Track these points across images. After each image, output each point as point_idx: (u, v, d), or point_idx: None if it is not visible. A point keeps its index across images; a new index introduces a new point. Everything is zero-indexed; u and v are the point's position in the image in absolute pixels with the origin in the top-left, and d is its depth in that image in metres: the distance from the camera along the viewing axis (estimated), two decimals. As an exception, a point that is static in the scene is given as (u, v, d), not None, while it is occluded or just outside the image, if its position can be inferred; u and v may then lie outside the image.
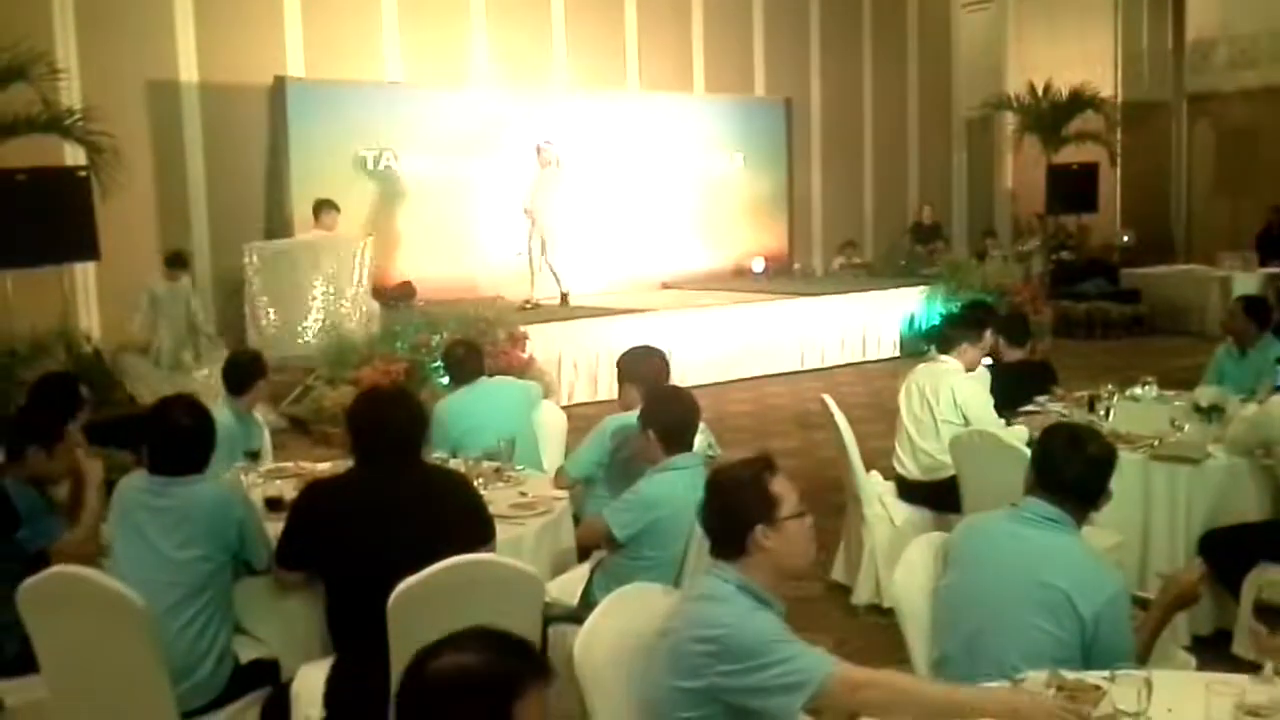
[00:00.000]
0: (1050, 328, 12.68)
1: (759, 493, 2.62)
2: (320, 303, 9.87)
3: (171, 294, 9.72)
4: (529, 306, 11.00)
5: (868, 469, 5.37)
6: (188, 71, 10.93)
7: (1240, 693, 2.39)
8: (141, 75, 10.68)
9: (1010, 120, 15.78)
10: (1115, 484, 2.98)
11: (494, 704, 1.83)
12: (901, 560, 3.24)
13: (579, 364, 10.38)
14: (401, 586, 3.01)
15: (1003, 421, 5.24)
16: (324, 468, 4.73)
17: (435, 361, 8.40)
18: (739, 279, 14.14)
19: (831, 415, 5.31)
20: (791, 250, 15.36)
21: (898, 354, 12.50)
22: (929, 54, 17.16)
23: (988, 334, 5.61)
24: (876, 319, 12.69)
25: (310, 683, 3.36)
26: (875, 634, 4.76)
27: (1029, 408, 5.68)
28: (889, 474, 5.50)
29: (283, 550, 3.46)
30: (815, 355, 12.16)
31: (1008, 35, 17.35)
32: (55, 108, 9.06)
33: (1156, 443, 4.97)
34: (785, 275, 14.53)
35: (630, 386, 4.61)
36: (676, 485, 3.76)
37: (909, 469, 5.35)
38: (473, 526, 3.43)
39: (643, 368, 4.67)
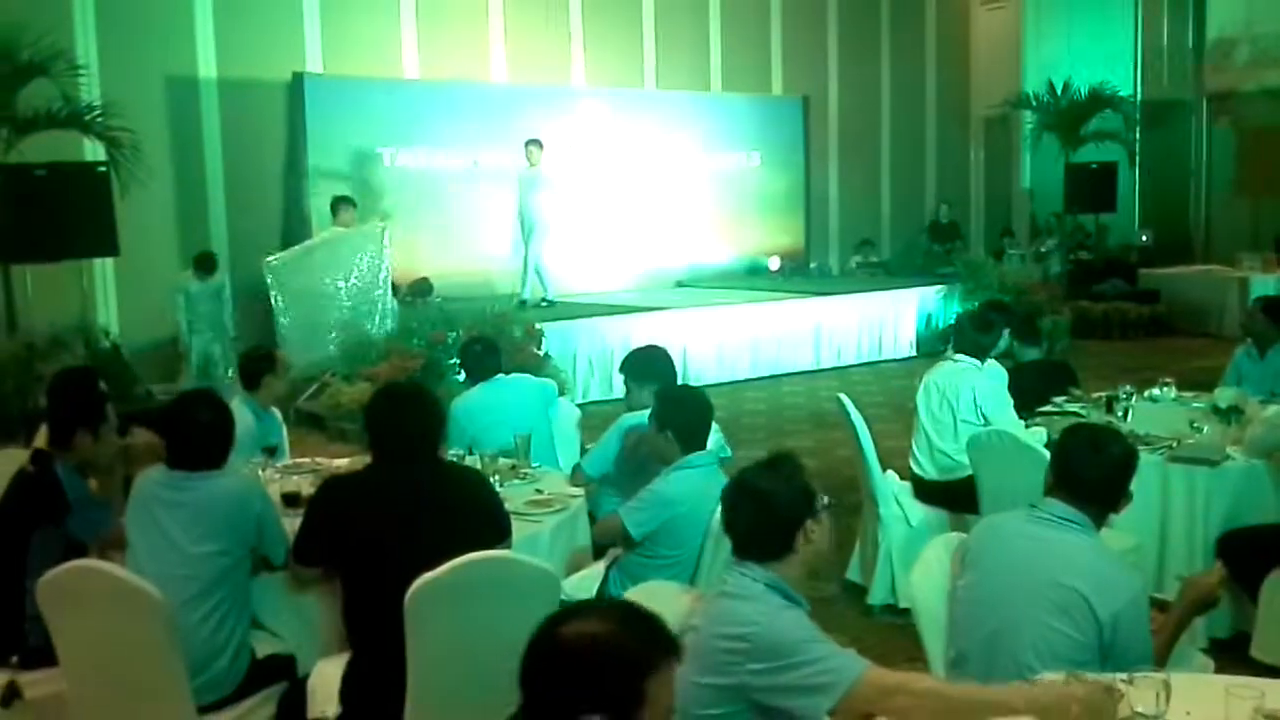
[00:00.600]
0: (1068, 328, 12.63)
1: (804, 488, 2.67)
2: (344, 300, 9.87)
3: (203, 292, 9.78)
4: (525, 305, 10.97)
5: (884, 469, 5.35)
6: (207, 67, 10.99)
7: (1259, 696, 2.37)
8: (161, 71, 10.74)
9: (1029, 119, 15.72)
10: (1133, 486, 2.97)
11: (629, 677, 1.83)
12: (919, 560, 3.23)
13: (594, 361, 10.39)
14: (418, 583, 3.01)
15: (1022, 423, 5.23)
16: (341, 464, 4.74)
17: (452, 358, 8.42)
18: (755, 277, 14.13)
19: (847, 414, 5.29)
20: (808, 248, 15.35)
21: (914, 353, 12.48)
22: (947, 52, 17.12)
23: (1005, 333, 5.60)
24: (893, 318, 12.66)
25: (326, 678, 3.36)
26: (890, 634, 4.75)
27: (1046, 408, 5.66)
28: (905, 474, 5.48)
29: (300, 546, 3.47)
30: (831, 354, 12.14)
31: (1026, 33, 17.27)
32: (75, 103, 9.11)
33: (1175, 444, 4.94)
34: (801, 274, 14.52)
35: (638, 386, 4.62)
36: (692, 484, 3.77)
37: (926, 469, 5.33)
38: (489, 524, 3.43)
39: (651, 368, 4.67)
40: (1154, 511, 4.75)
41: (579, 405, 6.43)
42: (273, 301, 9.74)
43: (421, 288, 11.08)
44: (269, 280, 9.76)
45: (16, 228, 8.47)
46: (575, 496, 4.31)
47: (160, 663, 3.17)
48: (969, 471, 5.00)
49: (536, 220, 11.09)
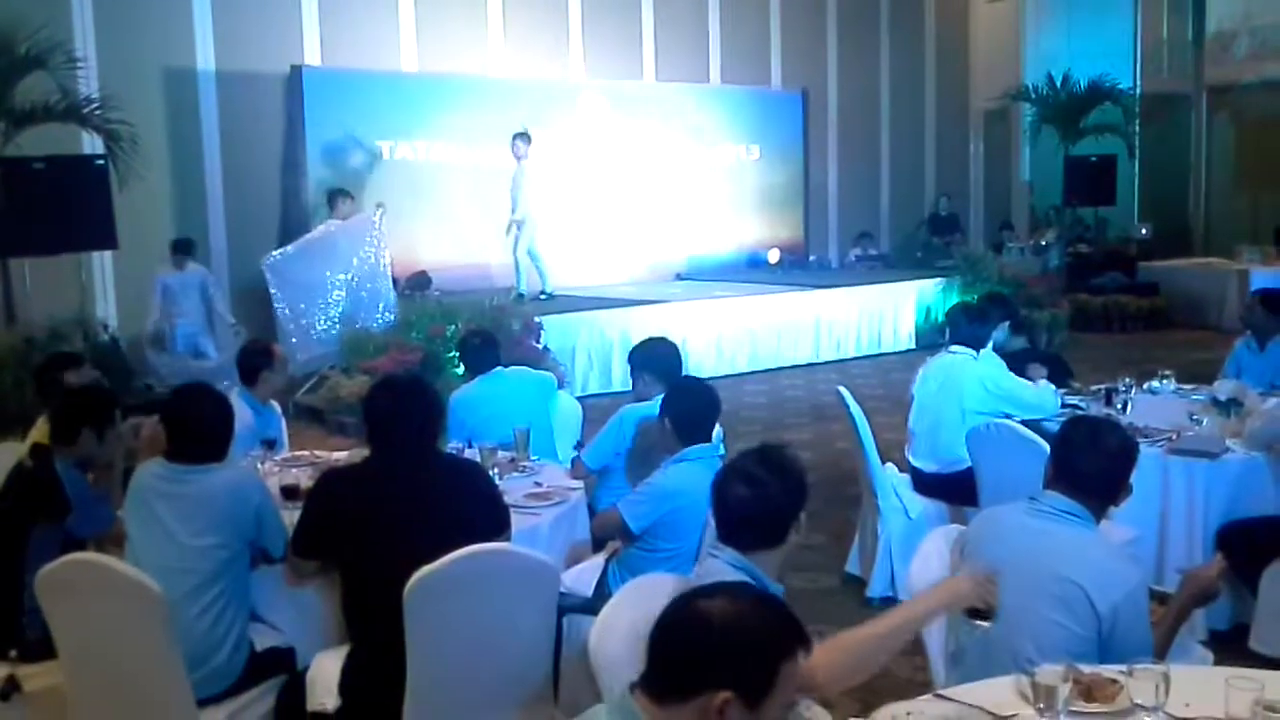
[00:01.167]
0: (1067, 321, 12.63)
1: (802, 481, 2.72)
2: (342, 293, 9.86)
3: (183, 284, 9.73)
4: (523, 299, 10.95)
5: (883, 461, 5.35)
6: (205, 60, 10.96)
7: (1259, 688, 2.37)
8: (159, 64, 10.71)
9: (1028, 112, 15.70)
10: (1133, 478, 2.97)
11: (766, 658, 1.84)
12: (918, 553, 3.23)
13: (593, 354, 10.38)
14: (417, 576, 3.00)
15: (1035, 385, 5.26)
16: (340, 456, 4.74)
17: (451, 351, 8.42)
18: (754, 270, 14.13)
19: (847, 407, 5.29)
20: (807, 241, 15.33)
21: (914, 346, 12.48)
22: (946, 45, 17.09)
23: (1005, 325, 5.63)
24: (892, 311, 12.66)
25: (326, 670, 3.37)
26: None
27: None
28: (904, 466, 5.48)
29: (298, 539, 3.46)
30: (831, 347, 12.14)
31: (1026, 26, 17.24)
32: (73, 96, 9.10)
33: (1174, 436, 4.94)
34: (801, 266, 14.50)
35: (644, 377, 4.62)
36: (692, 477, 3.76)
37: (924, 462, 5.33)
38: (488, 516, 3.42)
39: (656, 358, 4.67)
40: (1154, 504, 4.75)
41: (578, 398, 6.42)
42: (272, 296, 9.73)
43: (420, 281, 11.07)
44: (268, 277, 9.74)
45: (15, 221, 8.46)
46: (574, 489, 4.31)
47: (159, 656, 3.17)
48: (968, 464, 5.00)
49: (525, 214, 11.06)
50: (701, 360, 10.52)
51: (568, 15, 13.31)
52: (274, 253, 10.02)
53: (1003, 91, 15.73)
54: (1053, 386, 5.33)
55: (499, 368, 5.34)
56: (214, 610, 3.37)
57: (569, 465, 4.75)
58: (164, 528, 3.41)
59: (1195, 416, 5.10)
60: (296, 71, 11.34)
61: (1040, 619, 2.77)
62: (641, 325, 9.92)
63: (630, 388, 4.79)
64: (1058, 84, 14.75)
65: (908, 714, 2.51)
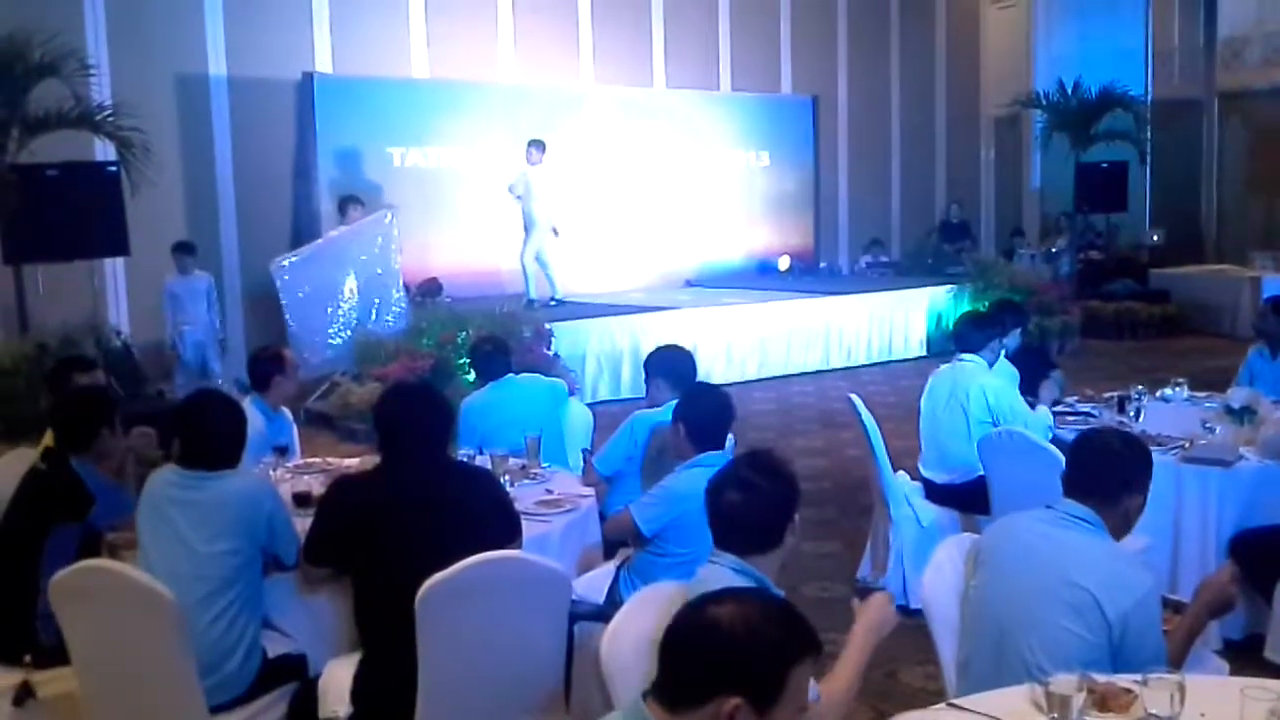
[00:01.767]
0: (1079, 328, 12.59)
1: (794, 483, 2.76)
2: (355, 299, 9.86)
3: (190, 291, 9.73)
4: (534, 305, 10.97)
5: (895, 469, 5.34)
6: (217, 66, 11.01)
7: (1275, 698, 2.35)
8: (171, 71, 10.77)
9: (1039, 118, 15.68)
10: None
11: (776, 663, 1.84)
12: (931, 561, 3.22)
13: (603, 361, 10.38)
14: (428, 583, 3.01)
15: (1033, 413, 5.21)
16: (351, 463, 4.75)
17: (462, 358, 8.42)
18: (764, 277, 14.12)
19: (858, 415, 5.28)
20: (817, 248, 15.33)
21: (925, 353, 12.45)
22: (957, 51, 17.08)
23: (1016, 332, 5.60)
24: (903, 318, 12.64)
25: (338, 678, 3.37)
26: (901, 635, 4.70)
27: (1058, 409, 5.62)
28: (916, 474, 5.47)
29: (310, 546, 3.47)
30: (841, 354, 12.12)
31: (1036, 32, 17.23)
32: (86, 103, 9.13)
33: (1187, 445, 4.92)
34: (811, 273, 14.51)
35: (659, 383, 4.62)
36: (704, 481, 3.75)
37: (934, 472, 5.32)
38: (499, 523, 3.43)
39: (671, 364, 4.67)
40: (1167, 512, 4.72)
41: (588, 405, 6.41)
42: (282, 303, 9.75)
43: (431, 288, 11.09)
44: (277, 282, 9.76)
45: (28, 227, 8.49)
46: (585, 496, 4.31)
47: (172, 662, 3.17)
48: (980, 472, 4.98)
49: (535, 221, 11.08)
50: (711, 367, 10.51)
51: (578, 22, 13.33)
52: (284, 258, 10.05)
53: (1013, 98, 15.70)
54: (1049, 414, 5.25)
55: (510, 374, 5.34)
56: (226, 617, 3.38)
57: (580, 472, 4.75)
58: (177, 534, 3.42)
59: (1208, 424, 5.08)
60: (308, 78, 11.38)
61: (1052, 626, 2.76)
62: (652, 332, 9.93)
63: (641, 394, 4.79)
64: (1069, 90, 14.72)
65: None
